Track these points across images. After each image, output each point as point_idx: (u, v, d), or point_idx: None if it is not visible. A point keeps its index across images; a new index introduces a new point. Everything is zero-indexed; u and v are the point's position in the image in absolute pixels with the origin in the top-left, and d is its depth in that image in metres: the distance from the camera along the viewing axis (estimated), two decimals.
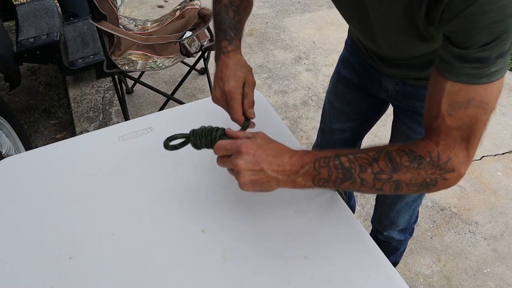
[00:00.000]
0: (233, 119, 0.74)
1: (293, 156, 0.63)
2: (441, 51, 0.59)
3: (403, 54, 0.85)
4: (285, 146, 0.65)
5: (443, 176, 0.60)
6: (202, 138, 0.70)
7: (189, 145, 0.74)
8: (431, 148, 0.60)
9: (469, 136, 0.58)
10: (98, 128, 1.74)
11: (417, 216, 1.23)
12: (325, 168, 0.61)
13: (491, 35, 0.52)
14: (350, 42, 1.05)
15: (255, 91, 1.02)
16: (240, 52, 0.78)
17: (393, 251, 1.33)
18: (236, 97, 0.72)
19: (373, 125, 1.21)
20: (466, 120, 0.57)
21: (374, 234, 1.28)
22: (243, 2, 0.84)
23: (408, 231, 1.27)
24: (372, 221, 1.29)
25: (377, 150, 0.62)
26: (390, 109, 1.10)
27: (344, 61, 1.09)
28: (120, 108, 2.16)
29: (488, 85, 0.56)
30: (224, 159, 0.65)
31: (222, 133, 0.69)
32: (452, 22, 0.55)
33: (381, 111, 1.15)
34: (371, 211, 1.83)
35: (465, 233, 1.78)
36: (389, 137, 1.08)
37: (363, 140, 1.29)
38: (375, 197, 1.25)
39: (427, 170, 0.60)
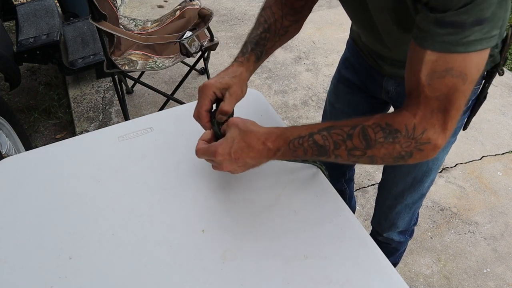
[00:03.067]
0: (194, 115, 0.76)
1: (267, 142, 0.65)
2: (418, 19, 0.59)
3: (403, 48, 0.85)
4: (257, 131, 0.66)
5: (419, 147, 0.60)
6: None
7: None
8: (408, 121, 0.60)
9: (446, 107, 0.58)
10: (98, 128, 1.74)
11: (417, 218, 1.23)
12: (300, 149, 0.64)
13: None
14: (352, 43, 1.05)
15: (255, 90, 1.02)
16: (246, 67, 0.78)
17: (392, 252, 1.33)
18: (206, 93, 0.74)
19: None
20: (444, 90, 0.57)
21: (374, 235, 1.28)
22: (281, 21, 0.83)
23: (408, 232, 1.26)
24: (372, 223, 1.28)
25: (353, 125, 0.63)
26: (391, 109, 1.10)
27: (345, 61, 1.09)
28: (120, 108, 2.16)
29: (467, 55, 0.55)
30: (210, 161, 0.70)
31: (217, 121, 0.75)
32: None
33: (382, 112, 1.15)
34: (371, 211, 1.82)
35: (465, 233, 1.78)
36: None
37: None
38: (375, 197, 1.25)
39: (402, 144, 0.60)
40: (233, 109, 0.77)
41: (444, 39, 0.55)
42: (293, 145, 0.64)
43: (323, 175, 0.82)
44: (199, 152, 0.70)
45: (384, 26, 0.78)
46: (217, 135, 0.74)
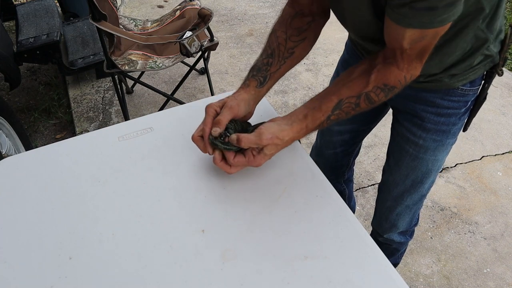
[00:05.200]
0: (193, 136, 0.78)
1: (295, 135, 0.75)
2: (391, 3, 0.63)
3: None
4: (288, 139, 0.74)
5: (406, 84, 0.74)
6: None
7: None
8: (400, 77, 0.72)
9: (423, 54, 0.70)
10: (98, 128, 1.74)
11: (417, 219, 1.22)
12: (319, 127, 0.77)
13: None
14: (350, 44, 1.05)
15: None
16: (246, 91, 0.82)
17: (393, 252, 1.32)
18: (208, 111, 0.77)
19: (373, 128, 1.20)
20: (421, 48, 0.69)
21: (374, 236, 1.28)
22: (285, 44, 0.85)
23: (409, 233, 1.26)
24: (372, 224, 1.28)
25: (357, 94, 0.73)
26: (390, 109, 1.10)
27: (344, 63, 1.09)
28: (120, 108, 2.16)
29: (440, 27, 0.63)
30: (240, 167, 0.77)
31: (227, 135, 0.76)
32: None
33: (381, 114, 1.15)
34: (371, 211, 1.83)
35: (465, 233, 1.78)
36: (389, 137, 1.08)
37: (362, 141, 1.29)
38: (375, 198, 1.25)
39: (398, 92, 0.74)
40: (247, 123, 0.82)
41: (420, 20, 0.62)
42: (315, 128, 0.76)
43: (323, 175, 0.82)
44: (240, 164, 0.75)
45: (365, 20, 0.79)
46: (221, 148, 0.75)
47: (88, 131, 1.49)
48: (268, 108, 0.98)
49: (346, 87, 0.74)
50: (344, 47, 1.12)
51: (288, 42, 0.85)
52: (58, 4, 2.83)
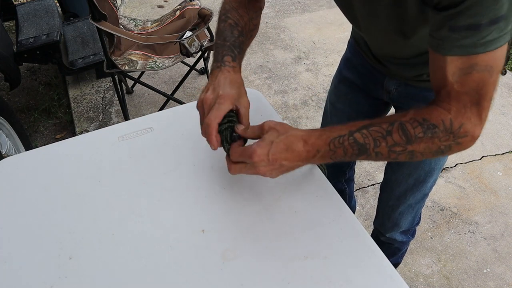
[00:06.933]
0: (205, 125, 0.68)
1: (307, 143, 0.63)
2: (431, 28, 0.59)
3: (395, 51, 0.85)
4: (296, 132, 0.65)
5: (457, 141, 0.61)
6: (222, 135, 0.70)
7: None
8: (444, 116, 0.60)
9: (478, 100, 0.59)
10: (98, 128, 1.74)
11: (419, 218, 1.23)
12: (340, 148, 0.62)
13: None
14: (353, 43, 1.05)
15: (255, 90, 1.03)
16: (240, 73, 0.75)
17: (395, 252, 1.33)
18: (225, 102, 0.68)
19: None
20: (472, 85, 0.58)
21: (376, 236, 1.28)
22: (249, 24, 0.81)
23: (410, 232, 1.26)
24: (375, 223, 1.28)
25: (390, 122, 0.62)
26: (392, 108, 1.10)
27: (346, 62, 1.09)
28: (120, 108, 2.16)
29: (488, 53, 0.55)
30: (241, 168, 0.67)
31: (232, 132, 0.69)
32: None
33: (383, 113, 1.15)
34: (371, 211, 1.83)
35: (465, 233, 1.78)
36: None
37: None
38: (375, 197, 1.25)
39: (441, 138, 0.60)
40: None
41: (461, 43, 0.55)
42: (334, 145, 0.63)
43: (323, 175, 0.82)
44: (235, 154, 0.66)
45: (369, 28, 0.79)
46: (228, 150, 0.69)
47: (88, 131, 1.49)
48: (268, 108, 0.98)
49: (382, 117, 0.65)
50: (344, 46, 1.12)
51: (250, 24, 0.82)
52: (58, 4, 2.83)
